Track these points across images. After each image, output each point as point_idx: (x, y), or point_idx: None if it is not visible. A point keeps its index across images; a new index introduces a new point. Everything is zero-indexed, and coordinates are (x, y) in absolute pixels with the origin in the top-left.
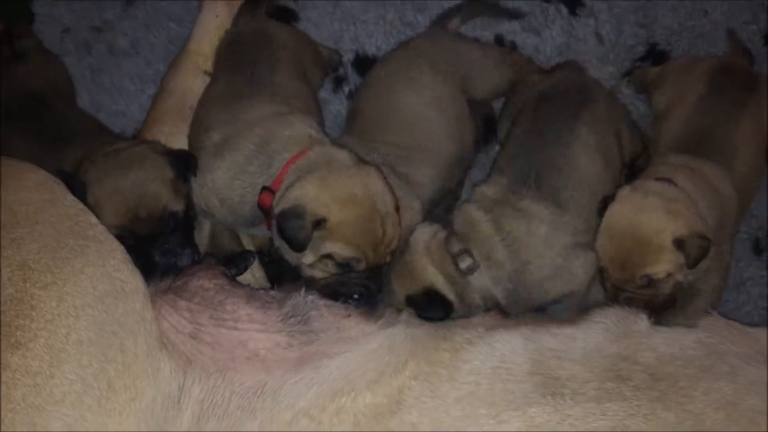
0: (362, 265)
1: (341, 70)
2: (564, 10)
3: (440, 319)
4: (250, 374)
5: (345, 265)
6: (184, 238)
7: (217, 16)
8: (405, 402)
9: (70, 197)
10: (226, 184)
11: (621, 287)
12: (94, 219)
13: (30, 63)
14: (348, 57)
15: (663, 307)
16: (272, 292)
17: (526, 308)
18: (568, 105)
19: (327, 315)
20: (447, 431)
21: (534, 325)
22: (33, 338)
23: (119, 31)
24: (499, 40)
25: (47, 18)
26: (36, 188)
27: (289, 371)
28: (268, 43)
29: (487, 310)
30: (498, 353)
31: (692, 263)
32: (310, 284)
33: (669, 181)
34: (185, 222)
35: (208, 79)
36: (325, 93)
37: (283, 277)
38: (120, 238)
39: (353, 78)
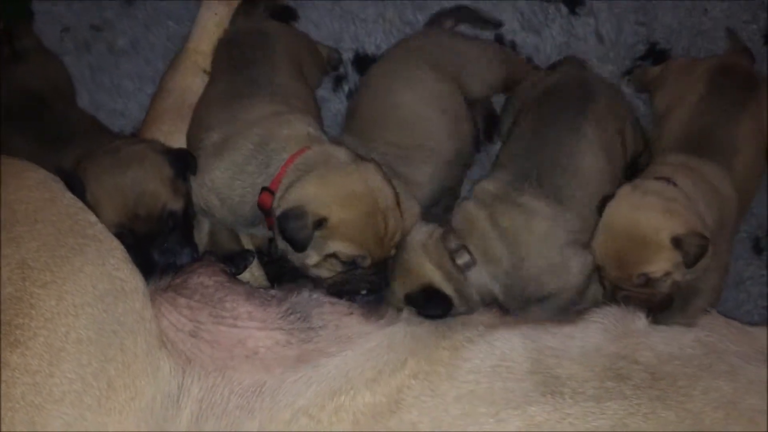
0: (368, 262)
1: (341, 69)
2: (564, 9)
3: (440, 316)
4: (249, 373)
5: (350, 263)
6: (183, 237)
7: (216, 15)
8: (404, 401)
9: (70, 196)
10: (226, 184)
11: (619, 286)
12: (93, 218)
13: (30, 63)
14: (348, 56)
15: (660, 306)
16: (272, 291)
17: (523, 303)
18: (572, 103)
19: (329, 312)
20: (447, 430)
21: (534, 323)
22: (32, 337)
23: (119, 30)
24: (499, 39)
25: (47, 17)
26: (36, 187)
27: (288, 370)
28: (266, 42)
29: (487, 306)
30: (498, 352)
31: (690, 262)
32: (317, 284)
33: (668, 180)
34: (184, 221)
35: (207, 78)
36: (324, 92)
37: (282, 277)
38: (119, 236)
39: (353, 77)
